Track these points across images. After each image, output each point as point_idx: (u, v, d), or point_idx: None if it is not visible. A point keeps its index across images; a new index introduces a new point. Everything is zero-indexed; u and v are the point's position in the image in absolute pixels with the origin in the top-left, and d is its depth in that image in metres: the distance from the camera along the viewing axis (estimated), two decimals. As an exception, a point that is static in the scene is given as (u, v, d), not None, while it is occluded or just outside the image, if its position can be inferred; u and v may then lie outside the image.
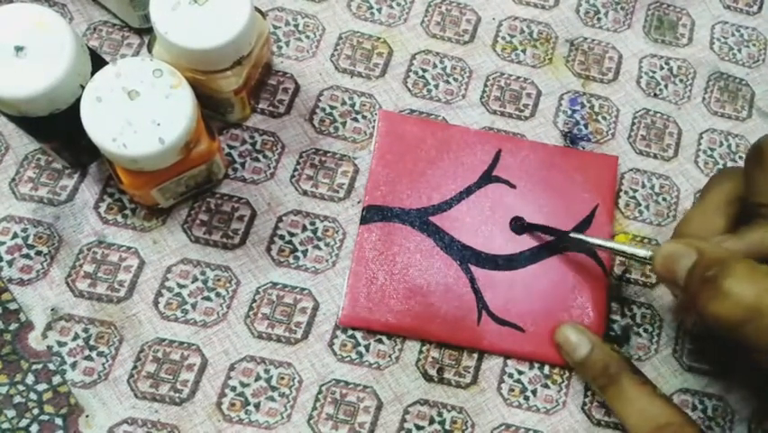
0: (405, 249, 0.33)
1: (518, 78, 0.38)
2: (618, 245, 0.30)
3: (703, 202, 0.31)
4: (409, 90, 0.37)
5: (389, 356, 0.32)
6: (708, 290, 0.26)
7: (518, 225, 0.34)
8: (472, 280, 0.33)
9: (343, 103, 0.36)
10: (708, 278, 0.26)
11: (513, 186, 0.35)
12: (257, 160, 0.35)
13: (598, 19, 0.40)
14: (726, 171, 0.32)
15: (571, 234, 0.33)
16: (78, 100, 0.28)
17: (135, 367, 0.31)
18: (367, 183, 0.34)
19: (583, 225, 0.34)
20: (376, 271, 0.33)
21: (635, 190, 0.36)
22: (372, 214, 0.34)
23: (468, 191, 0.35)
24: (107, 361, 0.31)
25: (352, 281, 0.33)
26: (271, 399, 0.31)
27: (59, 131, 0.30)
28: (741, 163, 0.35)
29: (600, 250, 0.33)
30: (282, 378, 0.32)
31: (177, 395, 0.31)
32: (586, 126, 0.37)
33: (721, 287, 0.25)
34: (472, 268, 0.33)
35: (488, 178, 0.35)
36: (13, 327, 0.31)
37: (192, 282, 0.33)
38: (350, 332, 0.33)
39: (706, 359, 0.34)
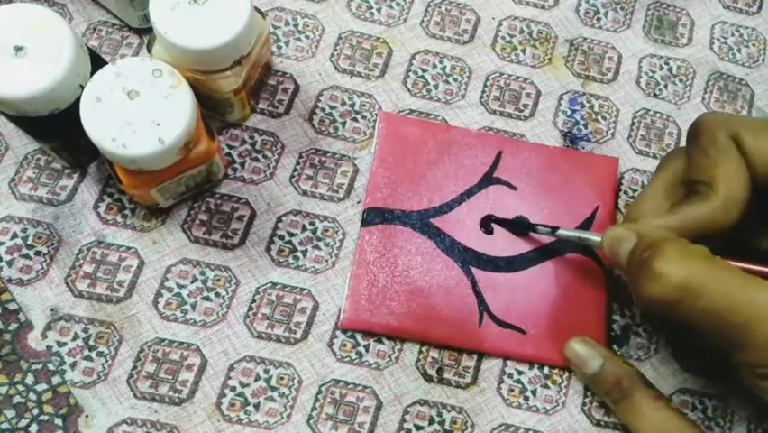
0: (406, 251, 0.33)
1: (518, 77, 0.38)
2: (573, 232, 0.31)
3: (652, 184, 0.32)
4: (409, 90, 0.37)
5: (389, 356, 0.32)
6: (643, 272, 0.26)
7: (487, 222, 0.34)
8: (473, 283, 0.33)
9: (343, 103, 0.36)
10: (642, 260, 0.26)
11: (514, 187, 0.35)
12: (256, 160, 0.35)
13: (598, 19, 0.40)
14: (674, 152, 0.32)
15: (537, 225, 0.33)
16: (78, 100, 0.28)
17: (135, 367, 0.31)
18: (367, 185, 0.34)
19: (585, 227, 0.34)
20: (377, 274, 0.33)
21: (635, 190, 0.36)
22: (373, 216, 0.34)
23: (469, 193, 0.35)
24: (107, 361, 0.31)
25: (353, 284, 0.33)
26: (271, 399, 0.31)
27: (58, 131, 0.30)
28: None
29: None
30: (282, 378, 0.32)
31: (176, 395, 0.31)
32: (586, 126, 0.37)
33: (652, 268, 0.26)
34: (473, 270, 0.33)
35: (488, 179, 0.35)
36: (12, 327, 0.31)
37: (192, 282, 0.33)
38: (349, 332, 0.33)
39: (706, 358, 0.34)
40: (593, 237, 0.30)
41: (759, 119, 0.29)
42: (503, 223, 0.34)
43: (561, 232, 0.32)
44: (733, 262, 0.27)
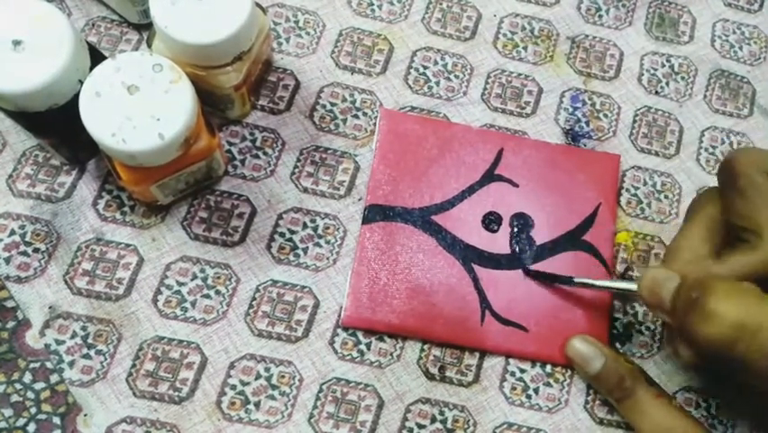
0: (407, 249, 0.33)
1: (520, 75, 0.38)
2: (608, 283, 0.31)
3: (687, 230, 0.31)
4: (410, 87, 0.37)
5: (391, 355, 0.32)
6: (694, 312, 0.25)
7: (526, 272, 0.33)
8: (475, 280, 0.33)
9: (344, 100, 0.36)
10: (692, 300, 0.26)
11: (515, 185, 0.35)
12: (257, 156, 0.35)
13: (600, 16, 0.40)
14: (706, 194, 0.31)
15: (575, 280, 0.32)
16: (77, 95, 0.28)
17: (134, 366, 0.31)
18: (369, 182, 0.34)
19: (586, 224, 0.34)
20: (378, 271, 0.33)
21: (637, 188, 0.36)
22: (374, 213, 0.34)
23: (470, 190, 0.35)
24: (106, 359, 0.31)
25: (355, 282, 0.32)
26: (272, 397, 0.31)
27: (57, 126, 0.30)
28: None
29: (603, 239, 0.33)
30: (283, 376, 0.31)
31: (176, 394, 0.31)
32: (587, 124, 0.37)
33: (705, 307, 0.25)
34: (475, 267, 0.33)
35: (490, 176, 0.35)
36: (10, 324, 0.31)
37: (191, 280, 0.32)
38: (351, 330, 0.32)
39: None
40: (629, 286, 0.29)
41: None
42: (540, 276, 0.33)
43: (597, 283, 0.31)
44: None
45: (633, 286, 0.29)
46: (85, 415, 0.30)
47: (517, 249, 0.34)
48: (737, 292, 0.25)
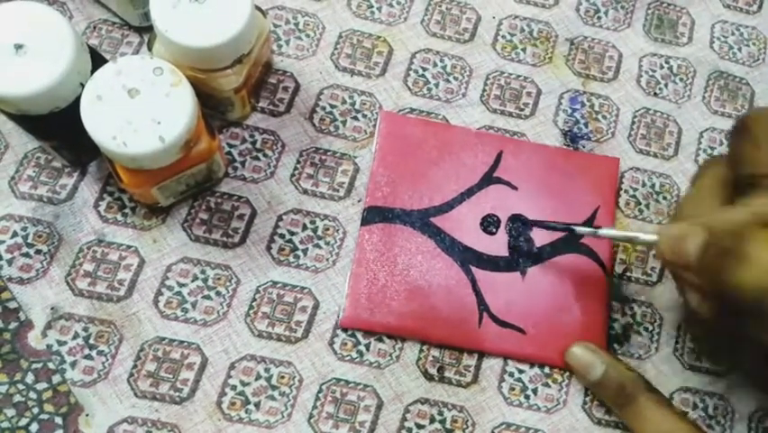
0: (406, 250, 0.33)
1: (518, 76, 0.38)
2: (621, 233, 0.30)
3: (696, 187, 0.31)
4: (409, 89, 0.37)
5: (390, 355, 0.32)
6: (730, 261, 0.25)
7: (525, 224, 0.34)
8: (473, 282, 0.33)
9: (344, 102, 0.36)
10: (726, 249, 0.25)
11: (514, 187, 0.35)
12: (257, 158, 0.35)
13: (599, 18, 0.40)
14: (714, 158, 0.32)
15: (577, 229, 0.32)
16: (78, 98, 0.28)
17: (135, 366, 0.31)
18: (368, 184, 0.34)
19: (585, 227, 0.34)
20: (377, 273, 0.33)
21: (636, 189, 0.36)
22: (373, 215, 0.34)
23: (469, 192, 0.35)
24: (107, 360, 0.31)
25: (353, 283, 0.33)
26: (272, 398, 0.31)
27: (58, 129, 0.30)
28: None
29: (602, 241, 0.33)
30: (282, 377, 0.32)
31: (177, 394, 0.31)
32: (586, 125, 0.37)
33: (745, 253, 0.24)
34: (473, 269, 0.33)
35: (489, 179, 0.35)
36: (12, 325, 0.31)
37: (192, 281, 0.33)
38: (350, 331, 0.33)
39: (706, 358, 0.34)
40: (646, 237, 0.28)
41: None
42: (542, 225, 0.33)
43: (604, 231, 0.31)
44: None
45: (651, 238, 0.28)
46: (86, 415, 0.30)
47: (516, 252, 0.34)
48: None
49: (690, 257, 0.26)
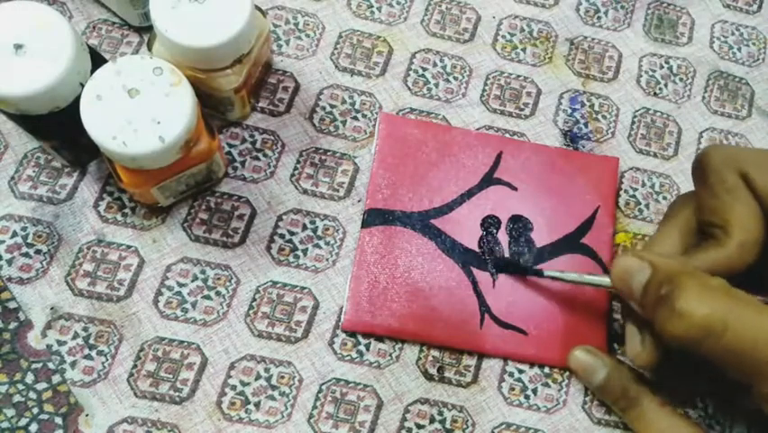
0: (406, 252, 0.33)
1: (518, 76, 0.38)
2: (579, 277, 0.31)
3: (661, 229, 0.31)
4: (409, 89, 0.37)
5: (390, 355, 0.32)
6: (663, 309, 0.26)
7: (496, 266, 0.33)
8: (474, 284, 0.33)
9: (343, 102, 0.36)
10: (662, 296, 0.26)
11: (514, 188, 0.35)
12: (257, 158, 0.35)
13: (599, 18, 0.40)
14: (683, 197, 0.31)
15: (545, 273, 0.32)
16: (78, 98, 0.28)
17: (135, 366, 0.31)
18: (368, 186, 0.34)
19: (585, 227, 0.34)
20: (378, 275, 0.33)
21: (635, 189, 0.37)
22: (374, 217, 0.34)
23: (469, 194, 0.35)
24: (107, 360, 0.31)
25: (354, 285, 0.33)
26: (272, 398, 0.31)
27: (58, 129, 0.30)
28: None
29: (602, 241, 0.33)
30: (282, 377, 0.32)
31: (177, 394, 0.31)
32: (586, 125, 0.37)
33: (675, 305, 0.25)
34: (474, 271, 0.33)
35: (489, 180, 0.35)
36: (12, 325, 0.31)
37: (192, 281, 0.33)
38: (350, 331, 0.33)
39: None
40: (601, 279, 0.30)
41: (763, 151, 0.29)
42: (506, 267, 0.33)
43: (567, 276, 0.31)
44: (752, 296, 0.26)
45: (605, 280, 0.29)
46: (86, 415, 0.30)
47: (516, 253, 0.34)
48: (706, 291, 0.25)
49: (635, 294, 0.27)
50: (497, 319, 0.33)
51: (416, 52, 0.38)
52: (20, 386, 0.30)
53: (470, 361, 0.33)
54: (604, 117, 0.38)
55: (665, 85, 0.39)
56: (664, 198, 0.36)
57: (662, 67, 0.39)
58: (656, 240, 0.31)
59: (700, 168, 0.29)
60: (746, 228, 0.27)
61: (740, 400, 0.32)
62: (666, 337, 0.26)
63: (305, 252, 0.34)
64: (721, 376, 0.26)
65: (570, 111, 0.37)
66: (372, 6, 0.38)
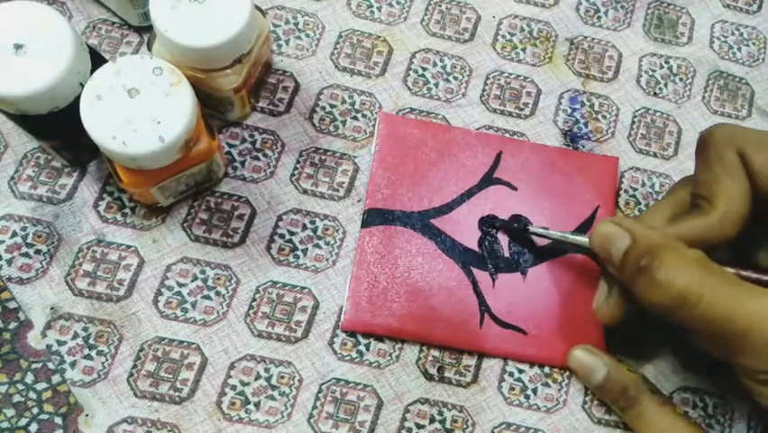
0: (406, 252, 0.33)
1: (518, 76, 0.38)
2: (560, 234, 0.32)
3: (656, 207, 0.32)
4: (409, 89, 0.37)
5: (390, 355, 0.32)
6: (642, 278, 0.27)
7: (485, 224, 0.34)
8: (474, 283, 0.33)
9: (343, 101, 0.36)
10: (641, 267, 0.27)
11: (514, 188, 0.35)
12: (257, 158, 0.35)
13: (598, 18, 0.40)
14: (682, 180, 0.32)
15: (530, 229, 0.33)
16: (78, 98, 0.28)
17: (135, 366, 0.31)
18: (368, 186, 0.34)
19: (585, 227, 0.34)
20: (378, 275, 0.33)
21: (635, 189, 0.36)
22: (373, 217, 0.34)
23: (469, 193, 0.35)
24: (107, 360, 0.31)
25: (354, 285, 0.33)
26: (271, 398, 0.31)
27: (58, 129, 0.30)
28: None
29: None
30: (282, 377, 0.32)
31: (177, 394, 0.31)
32: (586, 125, 0.37)
33: (653, 277, 0.26)
34: (474, 271, 0.33)
35: (489, 180, 0.35)
36: (12, 325, 0.31)
37: (192, 281, 0.33)
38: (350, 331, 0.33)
39: (706, 357, 0.34)
40: (582, 240, 0.31)
41: (765, 133, 0.29)
42: (498, 226, 0.34)
43: (551, 234, 0.32)
44: (728, 269, 0.27)
45: (585, 240, 0.30)
46: (86, 415, 0.30)
47: (516, 252, 0.34)
48: (683, 263, 0.26)
49: (613, 258, 0.28)
50: (496, 319, 0.33)
51: (415, 52, 0.38)
52: (20, 386, 0.30)
53: (470, 361, 0.33)
54: (604, 117, 0.38)
55: (665, 85, 0.39)
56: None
57: (662, 67, 0.39)
58: (649, 212, 0.32)
59: (703, 143, 0.30)
60: (731, 201, 0.28)
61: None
62: (644, 304, 0.27)
63: (305, 252, 0.34)
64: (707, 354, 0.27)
65: (570, 111, 0.37)
66: (372, 6, 0.38)
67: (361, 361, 0.32)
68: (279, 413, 0.31)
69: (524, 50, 0.38)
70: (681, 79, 0.39)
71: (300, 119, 0.36)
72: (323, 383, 0.32)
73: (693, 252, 0.27)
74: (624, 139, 0.37)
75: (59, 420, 0.30)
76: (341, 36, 0.37)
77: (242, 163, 0.35)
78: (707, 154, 0.29)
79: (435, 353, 0.33)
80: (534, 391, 0.33)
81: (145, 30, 0.36)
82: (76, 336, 0.31)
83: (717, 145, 0.29)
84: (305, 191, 0.35)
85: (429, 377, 0.32)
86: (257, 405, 0.31)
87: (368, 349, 0.32)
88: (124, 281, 0.32)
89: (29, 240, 0.32)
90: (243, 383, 0.31)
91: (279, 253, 0.33)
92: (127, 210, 0.33)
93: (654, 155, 0.37)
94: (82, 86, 0.28)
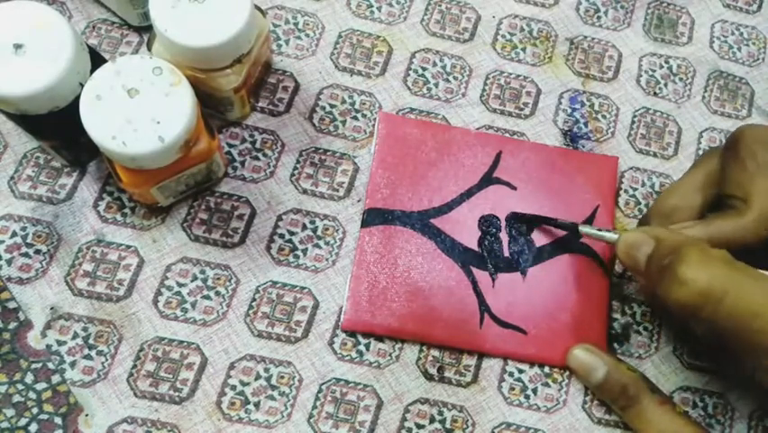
0: (406, 252, 0.33)
1: (518, 76, 0.38)
2: (592, 229, 0.31)
3: (686, 178, 0.32)
4: (409, 89, 0.37)
5: (390, 355, 0.32)
6: (666, 277, 0.26)
7: (516, 219, 0.34)
8: (474, 283, 0.33)
9: (343, 101, 0.36)
10: (664, 266, 0.27)
11: (514, 187, 0.35)
12: (257, 158, 0.35)
13: (598, 17, 0.40)
14: (711, 151, 0.32)
15: (559, 222, 0.33)
16: (78, 98, 0.28)
17: (135, 366, 0.31)
18: (367, 186, 0.34)
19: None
20: (377, 275, 0.33)
21: (635, 189, 0.36)
22: (373, 217, 0.34)
23: (469, 193, 0.35)
24: (107, 360, 0.31)
25: (354, 285, 0.33)
26: (271, 397, 0.31)
27: (58, 129, 0.30)
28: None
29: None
30: (282, 377, 0.32)
31: (176, 394, 0.31)
32: (586, 125, 0.37)
33: (676, 274, 0.26)
34: (474, 270, 0.33)
35: (488, 179, 0.35)
36: (12, 325, 0.31)
37: (192, 281, 0.33)
38: (350, 331, 0.33)
39: (706, 357, 0.34)
40: (611, 237, 0.30)
41: None
42: (524, 219, 0.34)
43: (580, 228, 0.32)
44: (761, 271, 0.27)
45: (613, 237, 0.30)
46: (86, 415, 0.30)
47: (516, 252, 0.34)
48: (707, 260, 0.26)
49: (639, 265, 0.28)
50: (496, 319, 0.33)
51: (415, 52, 0.38)
52: (19, 386, 0.30)
53: (470, 361, 0.33)
54: (604, 117, 0.38)
55: (665, 84, 0.39)
56: (664, 197, 0.36)
57: (661, 66, 0.39)
58: (676, 187, 0.32)
59: (734, 143, 0.30)
60: (767, 202, 0.28)
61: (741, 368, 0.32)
62: (669, 305, 0.26)
63: (304, 252, 0.34)
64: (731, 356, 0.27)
65: (569, 111, 0.37)
66: (372, 6, 0.38)
67: (360, 361, 0.32)
68: (279, 413, 0.31)
69: (524, 49, 0.38)
70: (680, 79, 0.39)
71: (300, 119, 0.36)
72: (323, 383, 0.32)
73: (717, 250, 0.26)
74: (624, 139, 0.37)
75: (58, 420, 0.30)
76: (341, 36, 0.37)
77: (242, 163, 0.35)
78: (739, 153, 0.29)
79: (435, 353, 0.33)
80: (534, 391, 0.33)
81: (145, 30, 0.36)
82: (75, 336, 0.31)
83: (750, 145, 0.29)
84: (305, 191, 0.35)
85: (429, 377, 0.32)
86: (257, 405, 0.31)
87: (368, 349, 0.32)
88: (124, 281, 0.32)
89: (29, 240, 0.32)
90: (243, 383, 0.31)
91: (279, 253, 0.33)
92: (127, 210, 0.33)
93: (654, 155, 0.37)
94: (82, 86, 0.28)
